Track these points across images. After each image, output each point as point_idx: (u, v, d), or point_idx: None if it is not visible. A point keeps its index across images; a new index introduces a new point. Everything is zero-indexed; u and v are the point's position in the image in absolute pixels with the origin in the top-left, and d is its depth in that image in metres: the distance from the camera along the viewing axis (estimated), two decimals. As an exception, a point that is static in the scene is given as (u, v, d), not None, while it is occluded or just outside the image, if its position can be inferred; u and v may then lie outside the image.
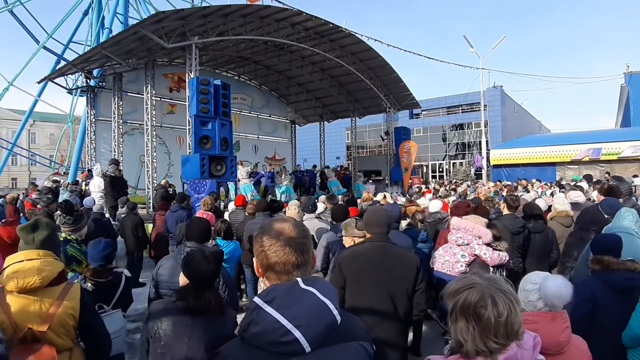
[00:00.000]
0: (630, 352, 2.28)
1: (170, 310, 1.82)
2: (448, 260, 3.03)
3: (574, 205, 4.99)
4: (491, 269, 2.87)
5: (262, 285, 1.19)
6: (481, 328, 1.11)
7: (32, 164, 37.19)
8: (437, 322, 3.44)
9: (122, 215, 7.31)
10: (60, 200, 9.92)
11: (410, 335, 3.90)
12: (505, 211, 4.47)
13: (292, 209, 4.47)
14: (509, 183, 14.74)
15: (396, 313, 2.34)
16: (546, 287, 1.66)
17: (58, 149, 30.11)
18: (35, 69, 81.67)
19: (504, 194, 9.85)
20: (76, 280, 2.56)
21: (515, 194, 7.09)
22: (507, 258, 2.95)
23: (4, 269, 1.86)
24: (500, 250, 2.97)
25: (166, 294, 2.44)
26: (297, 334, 0.98)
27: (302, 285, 1.06)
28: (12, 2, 19.61)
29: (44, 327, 1.79)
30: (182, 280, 2.00)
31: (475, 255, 2.93)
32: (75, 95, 18.09)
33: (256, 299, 1.05)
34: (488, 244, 2.95)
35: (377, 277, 2.36)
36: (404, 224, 4.40)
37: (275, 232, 1.14)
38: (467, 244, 2.98)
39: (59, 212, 3.18)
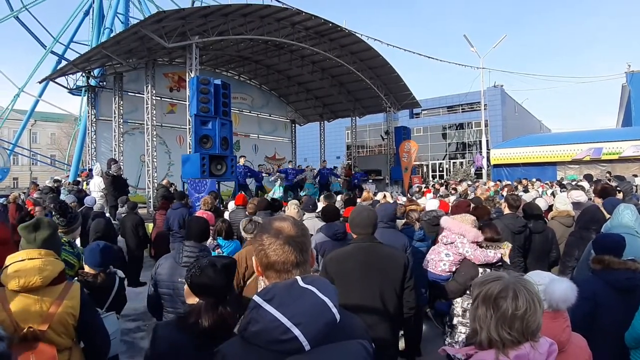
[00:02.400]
0: (633, 353, 2.27)
1: (181, 335, 1.62)
2: (433, 258, 3.07)
3: (575, 204, 4.98)
4: (480, 269, 2.82)
5: (262, 284, 1.19)
6: (497, 317, 1.15)
7: (33, 164, 37.23)
8: (432, 321, 3.45)
9: (123, 215, 7.32)
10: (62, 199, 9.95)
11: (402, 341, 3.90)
12: (507, 211, 4.46)
13: (291, 208, 4.46)
14: (510, 183, 14.71)
15: (386, 312, 2.34)
16: (554, 291, 1.66)
17: (69, 150, 30.07)
18: (25, 64, 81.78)
19: (505, 193, 9.84)
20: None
21: (516, 193, 7.09)
22: (497, 257, 2.85)
23: (5, 267, 1.87)
24: (492, 249, 2.91)
25: (165, 293, 2.43)
26: (296, 332, 0.98)
27: (302, 284, 1.06)
28: (18, 9, 19.69)
29: (45, 326, 1.80)
30: (188, 295, 1.77)
31: (461, 253, 2.94)
32: (84, 96, 18.22)
33: (256, 298, 1.05)
34: (478, 243, 2.92)
35: (364, 277, 2.36)
36: (400, 223, 4.38)
37: (274, 231, 1.15)
38: (451, 243, 2.99)
39: (52, 212, 3.13)
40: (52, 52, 20.30)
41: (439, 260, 2.99)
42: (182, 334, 1.62)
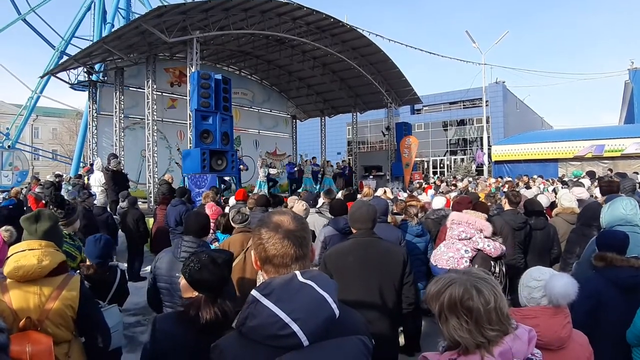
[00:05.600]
0: (634, 350, 2.26)
1: (181, 329, 1.62)
2: (452, 256, 2.98)
3: (577, 202, 4.95)
4: (492, 262, 2.85)
5: (261, 278, 1.18)
6: (474, 320, 1.10)
7: (35, 159, 37.23)
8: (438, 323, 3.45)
9: (123, 210, 7.33)
10: (62, 194, 9.98)
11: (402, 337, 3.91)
12: (507, 207, 4.45)
13: (299, 205, 4.44)
14: (511, 179, 14.70)
15: (385, 307, 2.33)
16: (553, 286, 1.64)
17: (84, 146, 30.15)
18: (38, 63, 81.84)
19: (506, 190, 9.82)
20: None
21: (516, 189, 7.06)
22: (503, 249, 2.97)
23: (7, 258, 1.90)
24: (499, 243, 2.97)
25: (163, 287, 2.43)
26: (295, 327, 0.97)
27: (301, 279, 1.05)
28: (25, 12, 19.78)
29: (43, 317, 1.82)
30: (186, 290, 1.75)
31: (477, 249, 2.91)
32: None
33: (254, 292, 1.04)
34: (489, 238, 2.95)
35: (363, 272, 2.35)
36: (399, 219, 4.38)
37: (274, 225, 1.13)
38: (470, 238, 2.95)
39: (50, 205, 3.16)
40: (63, 52, 20.31)
41: (460, 258, 2.95)
42: (181, 327, 1.62)
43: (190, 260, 1.73)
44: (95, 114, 13.47)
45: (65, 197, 8.21)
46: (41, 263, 1.85)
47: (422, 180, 16.52)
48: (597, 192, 6.01)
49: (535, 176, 15.03)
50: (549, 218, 4.84)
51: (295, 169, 15.89)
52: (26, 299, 1.82)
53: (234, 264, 3.00)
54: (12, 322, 1.74)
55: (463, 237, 2.98)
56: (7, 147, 21.28)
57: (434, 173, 32.32)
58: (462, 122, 34.73)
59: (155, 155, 12.22)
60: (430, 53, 25.49)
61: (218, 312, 1.59)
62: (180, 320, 1.63)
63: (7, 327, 1.36)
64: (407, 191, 10.90)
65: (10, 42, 69.76)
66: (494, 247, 2.90)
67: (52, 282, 1.89)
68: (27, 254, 1.87)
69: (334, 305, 1.03)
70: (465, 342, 1.12)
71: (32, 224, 2.03)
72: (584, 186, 6.65)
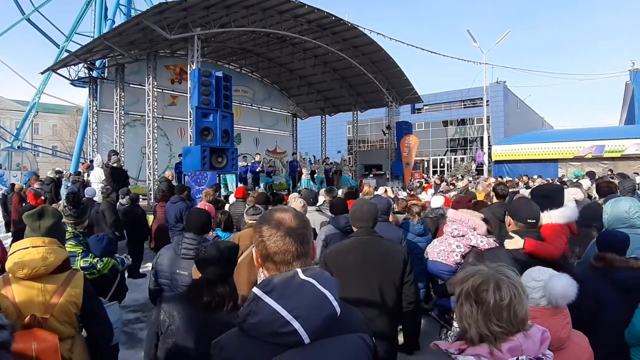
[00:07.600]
0: (633, 351, 2.26)
1: (183, 305, 1.76)
2: (443, 249, 3.02)
3: (575, 202, 4.95)
4: None
5: (262, 275, 1.18)
6: (484, 311, 1.13)
7: (35, 155, 37.21)
8: (435, 319, 3.43)
9: (123, 207, 7.33)
10: (62, 190, 10.01)
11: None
12: (494, 200, 4.52)
13: (297, 202, 4.45)
14: (511, 179, 14.69)
15: (385, 306, 2.33)
16: (553, 287, 1.64)
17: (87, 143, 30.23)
18: (42, 61, 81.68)
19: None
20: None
21: (504, 183, 7.03)
22: (498, 244, 3.00)
23: (10, 255, 1.89)
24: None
25: (164, 284, 2.44)
26: (296, 325, 0.97)
27: (302, 276, 1.05)
28: (29, 12, 19.85)
29: (47, 314, 1.82)
30: (195, 273, 1.93)
31: (471, 246, 2.93)
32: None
33: (255, 289, 1.05)
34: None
35: (363, 271, 2.35)
36: (400, 218, 4.39)
37: (275, 222, 1.13)
38: (463, 236, 2.98)
39: (64, 203, 3.17)
40: (67, 51, 20.32)
41: (451, 251, 2.97)
42: (184, 306, 1.75)
43: (202, 247, 1.96)
44: (95, 111, 13.47)
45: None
46: (45, 261, 1.84)
47: (422, 180, 16.53)
48: (595, 192, 6.01)
49: (535, 176, 15.03)
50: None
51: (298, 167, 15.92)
52: (30, 296, 1.81)
53: (243, 256, 3.00)
54: (15, 319, 1.73)
55: (456, 234, 3.02)
56: (16, 147, 21.37)
57: (434, 172, 32.31)
58: (462, 122, 34.67)
59: (156, 152, 12.22)
60: (432, 52, 25.51)
61: (216, 296, 1.73)
62: (184, 300, 1.79)
63: (10, 323, 1.37)
64: (407, 190, 10.91)
65: (14, 40, 69.65)
66: (488, 243, 2.92)
67: (56, 279, 1.89)
68: (31, 251, 1.85)
69: (335, 303, 1.03)
70: (471, 331, 1.15)
71: (35, 221, 2.03)
72: (581, 187, 6.64)
